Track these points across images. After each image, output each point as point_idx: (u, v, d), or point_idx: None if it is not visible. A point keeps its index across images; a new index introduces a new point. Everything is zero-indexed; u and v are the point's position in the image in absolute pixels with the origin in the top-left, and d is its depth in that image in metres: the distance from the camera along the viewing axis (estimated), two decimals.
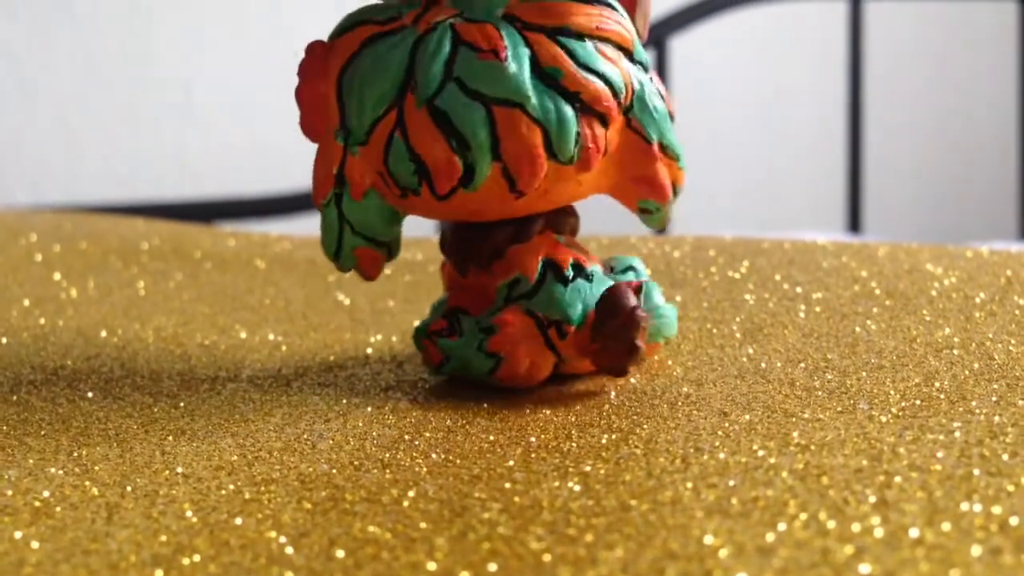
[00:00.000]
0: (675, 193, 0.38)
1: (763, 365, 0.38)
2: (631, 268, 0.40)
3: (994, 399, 0.33)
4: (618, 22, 0.37)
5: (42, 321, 0.45)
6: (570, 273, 0.37)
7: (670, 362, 0.39)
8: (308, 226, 1.44)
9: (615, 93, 0.36)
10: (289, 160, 1.44)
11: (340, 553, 0.25)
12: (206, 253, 0.58)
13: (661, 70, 1.36)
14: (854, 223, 1.48)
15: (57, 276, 0.53)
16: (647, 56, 0.40)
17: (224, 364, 0.39)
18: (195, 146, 1.39)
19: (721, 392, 0.35)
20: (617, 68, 0.36)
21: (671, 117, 0.38)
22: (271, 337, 0.43)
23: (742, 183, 1.82)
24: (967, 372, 0.36)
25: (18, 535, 0.26)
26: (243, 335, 0.43)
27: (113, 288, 0.51)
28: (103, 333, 0.43)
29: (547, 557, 0.24)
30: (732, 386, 0.36)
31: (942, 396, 0.34)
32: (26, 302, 0.48)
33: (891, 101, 1.89)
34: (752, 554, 0.24)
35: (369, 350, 0.41)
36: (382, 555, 0.24)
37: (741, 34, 1.79)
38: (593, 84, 0.35)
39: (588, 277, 0.37)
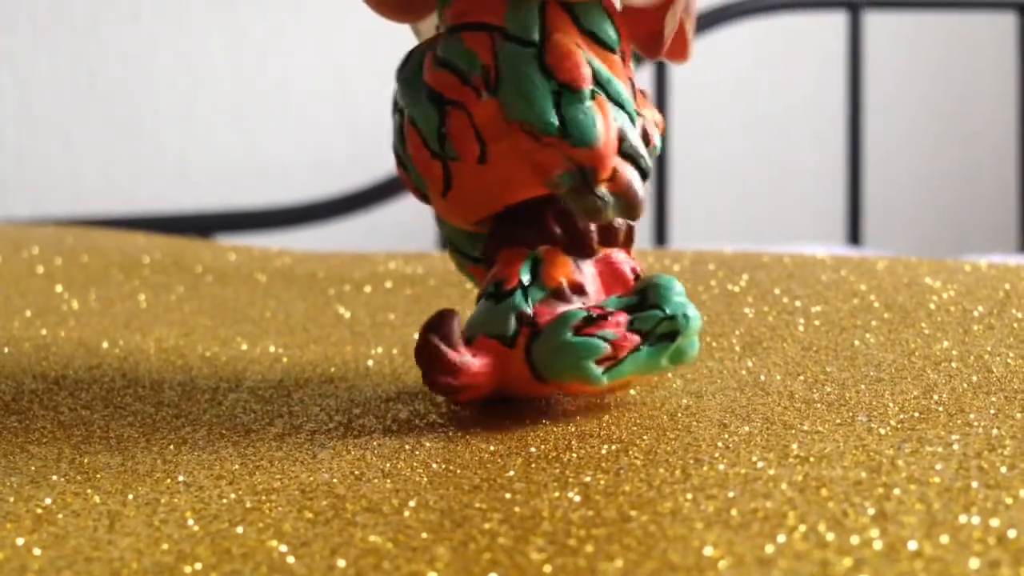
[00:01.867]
0: (585, 177, 0.34)
1: (762, 378, 0.38)
2: (642, 291, 0.36)
3: (992, 412, 0.33)
4: (481, 3, 0.35)
5: (44, 332, 0.45)
6: (489, 290, 0.35)
7: (669, 374, 0.39)
8: (309, 239, 1.45)
9: (462, 77, 0.35)
10: (289, 173, 1.44)
11: (341, 563, 0.25)
12: (207, 267, 0.58)
13: (661, 84, 1.37)
14: (854, 236, 1.48)
15: (59, 288, 0.53)
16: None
17: (225, 375, 0.40)
18: (196, 159, 1.39)
19: (720, 404, 0.35)
20: (472, 50, 0.35)
21: (570, 88, 0.34)
22: (272, 349, 0.43)
23: (742, 196, 1.82)
24: (965, 385, 0.36)
25: (20, 542, 0.26)
26: (244, 347, 0.43)
27: (114, 300, 0.51)
28: (104, 344, 0.44)
29: (547, 568, 0.24)
30: (731, 398, 0.36)
31: (940, 409, 0.34)
32: (28, 313, 0.48)
33: (891, 113, 1.89)
34: (752, 565, 0.24)
35: (370, 362, 0.41)
36: (383, 565, 0.24)
37: (741, 47, 1.79)
38: (438, 73, 0.35)
39: (499, 298, 0.35)
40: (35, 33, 1.38)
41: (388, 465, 0.31)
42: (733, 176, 1.82)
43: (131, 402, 0.36)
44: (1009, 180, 1.93)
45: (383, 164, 1.48)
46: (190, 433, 0.33)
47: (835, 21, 1.81)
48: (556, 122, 0.34)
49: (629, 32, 0.37)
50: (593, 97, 0.35)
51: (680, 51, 0.37)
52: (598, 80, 0.35)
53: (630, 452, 0.31)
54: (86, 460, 0.31)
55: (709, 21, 1.41)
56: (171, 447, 0.32)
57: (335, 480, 0.30)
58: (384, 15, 0.38)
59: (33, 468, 0.31)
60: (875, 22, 1.85)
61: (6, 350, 0.43)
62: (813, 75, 1.85)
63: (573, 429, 0.33)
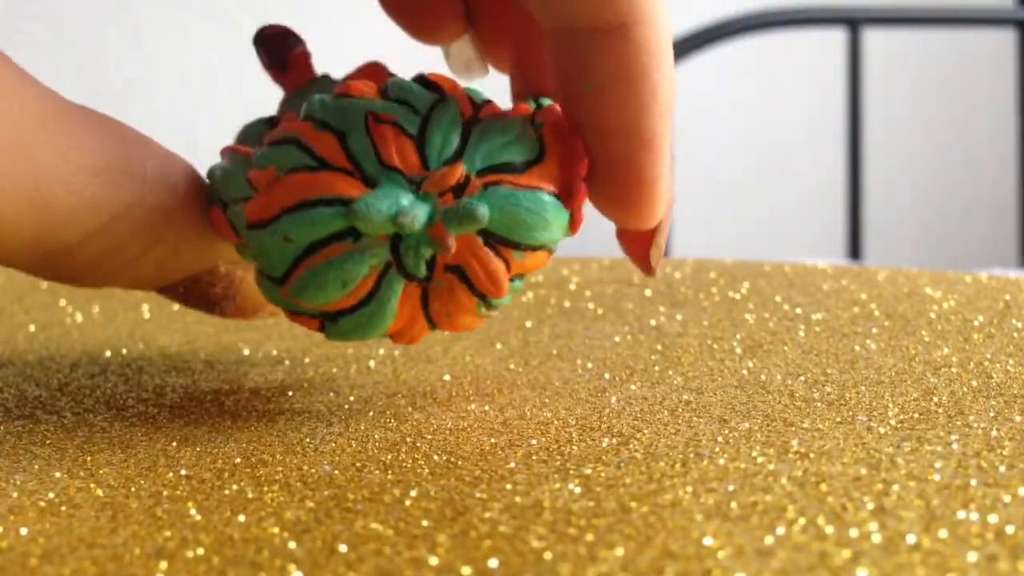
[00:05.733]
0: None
1: (763, 377, 0.38)
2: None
3: (991, 414, 0.34)
4: None
5: (47, 344, 0.46)
6: None
7: (670, 371, 0.39)
8: None
9: None
10: None
11: (343, 548, 0.25)
12: None
13: None
14: (854, 251, 1.48)
15: (63, 303, 0.53)
16: None
17: (227, 378, 0.40)
18: None
19: (721, 400, 0.36)
20: None
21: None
22: (274, 353, 0.43)
23: (742, 211, 1.83)
24: (965, 389, 0.36)
25: (24, 531, 0.26)
26: (246, 352, 0.44)
27: (118, 312, 0.52)
28: (107, 353, 0.44)
29: (548, 555, 0.25)
30: (732, 395, 0.36)
31: (940, 411, 0.34)
32: (32, 328, 0.49)
33: (891, 129, 1.90)
34: (751, 556, 0.24)
35: (372, 363, 0.41)
36: (384, 550, 0.25)
37: (741, 63, 1.80)
38: None
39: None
40: (36, 58, 1.39)
41: (389, 457, 0.31)
42: (733, 192, 1.82)
43: (133, 404, 0.37)
44: (1009, 195, 1.93)
45: None
46: (192, 431, 0.34)
47: (835, 36, 1.81)
48: None
49: (623, 246, 0.35)
50: None
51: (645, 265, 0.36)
52: None
53: (631, 445, 0.32)
54: (89, 458, 0.32)
55: (709, 37, 1.41)
56: (173, 444, 0.33)
57: (336, 472, 0.30)
58: (414, 35, 0.37)
59: (36, 466, 0.31)
60: (874, 38, 1.86)
61: (10, 361, 0.43)
62: (813, 90, 1.85)
63: (573, 422, 0.34)
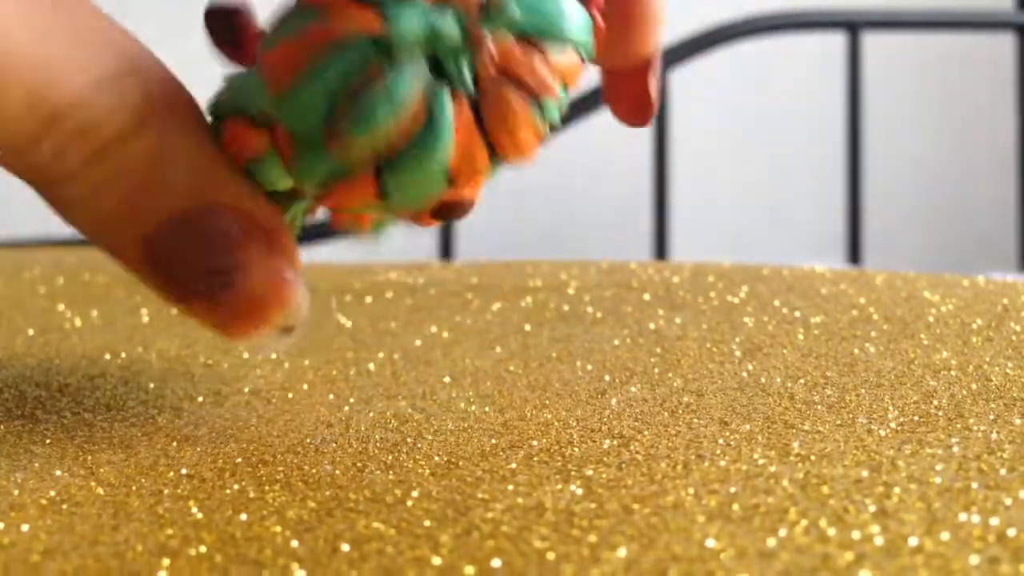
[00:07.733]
0: None
1: (763, 380, 0.38)
2: None
3: (991, 417, 0.34)
4: None
5: (46, 348, 0.46)
6: None
7: (670, 374, 0.39)
8: (307, 254, 1.45)
9: None
10: None
11: (345, 547, 0.25)
12: None
13: (662, 102, 1.37)
14: (854, 256, 1.48)
15: (61, 307, 0.53)
16: None
17: (227, 380, 0.40)
18: None
19: (721, 403, 0.36)
20: None
21: None
22: (273, 356, 0.43)
23: (742, 216, 1.83)
24: (964, 392, 0.36)
25: (25, 528, 0.26)
26: (245, 355, 0.44)
27: (117, 316, 0.52)
28: (107, 356, 0.44)
29: (551, 556, 0.25)
30: (732, 397, 0.36)
31: (940, 413, 0.34)
32: (31, 332, 0.49)
33: (890, 133, 1.90)
34: (753, 558, 0.24)
35: (371, 366, 0.41)
36: (387, 550, 0.25)
37: (741, 66, 1.80)
38: None
39: None
40: None
41: (390, 458, 0.31)
42: (733, 196, 1.82)
43: (133, 405, 0.37)
44: (1009, 199, 1.94)
45: None
46: (192, 431, 0.34)
47: (834, 41, 1.82)
48: None
49: (614, 102, 0.36)
50: None
51: (646, 114, 0.37)
52: None
53: (631, 447, 0.32)
54: (89, 457, 0.32)
55: (709, 41, 1.41)
56: (174, 444, 0.33)
57: (338, 472, 0.30)
58: None
59: (37, 465, 0.31)
60: (874, 42, 1.86)
61: (9, 364, 0.43)
62: (813, 94, 1.85)
63: (574, 423, 0.34)
